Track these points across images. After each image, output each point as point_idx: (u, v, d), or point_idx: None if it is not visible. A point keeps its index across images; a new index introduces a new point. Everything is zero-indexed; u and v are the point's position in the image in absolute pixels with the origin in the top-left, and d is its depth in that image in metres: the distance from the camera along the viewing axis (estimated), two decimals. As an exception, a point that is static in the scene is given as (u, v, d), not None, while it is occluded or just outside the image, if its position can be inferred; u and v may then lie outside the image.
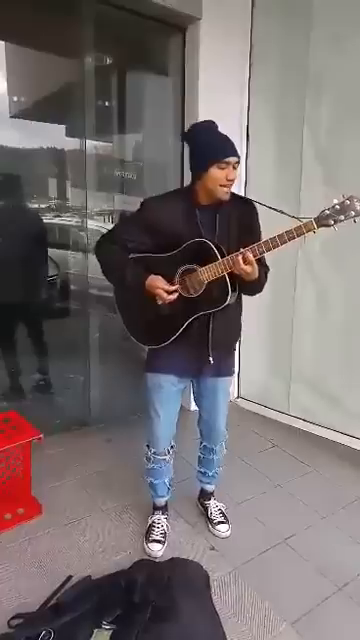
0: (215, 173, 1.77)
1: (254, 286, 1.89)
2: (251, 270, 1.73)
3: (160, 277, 1.85)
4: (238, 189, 3.42)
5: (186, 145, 1.90)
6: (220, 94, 3.24)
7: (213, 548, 2.22)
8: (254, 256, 1.71)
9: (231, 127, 3.25)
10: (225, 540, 2.27)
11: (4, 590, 1.94)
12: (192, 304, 1.86)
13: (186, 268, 1.85)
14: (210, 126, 1.85)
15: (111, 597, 1.82)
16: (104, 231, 2.17)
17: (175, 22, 3.17)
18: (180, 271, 1.87)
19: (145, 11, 3.01)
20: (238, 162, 1.80)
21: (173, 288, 1.85)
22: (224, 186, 1.79)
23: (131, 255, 1.92)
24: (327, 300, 3.16)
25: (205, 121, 1.89)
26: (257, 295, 1.99)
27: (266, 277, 1.94)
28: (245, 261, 1.71)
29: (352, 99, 2.86)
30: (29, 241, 3.31)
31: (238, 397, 3.82)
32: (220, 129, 1.85)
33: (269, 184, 3.32)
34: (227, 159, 1.75)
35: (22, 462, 2.36)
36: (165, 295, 1.84)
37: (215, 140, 1.79)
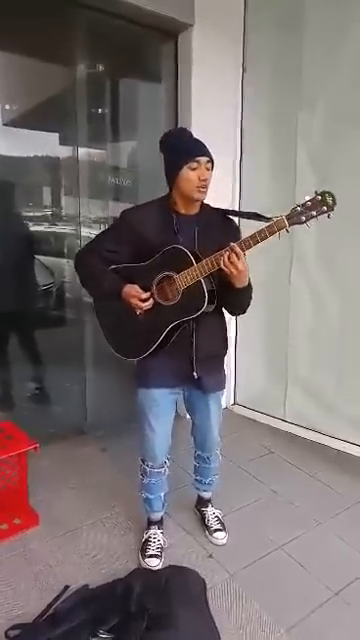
0: (187, 174, 1.78)
1: (243, 295, 1.86)
2: (242, 266, 1.69)
3: (135, 286, 1.85)
4: (232, 194, 3.46)
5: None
6: (213, 100, 3.26)
7: (210, 555, 2.22)
8: (242, 249, 1.68)
9: (224, 133, 3.36)
10: (222, 547, 2.28)
11: (1, 600, 1.93)
12: (170, 312, 1.84)
13: (163, 275, 1.84)
14: (181, 132, 1.90)
15: (108, 606, 1.82)
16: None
17: (167, 29, 3.18)
18: (157, 279, 1.85)
19: (137, 18, 3.02)
20: (210, 162, 1.81)
21: (145, 296, 1.84)
22: (198, 187, 1.79)
23: (111, 267, 1.91)
24: (322, 306, 3.17)
25: (176, 128, 1.92)
26: (245, 311, 1.98)
27: (251, 292, 1.90)
28: (235, 254, 1.67)
29: (346, 105, 2.88)
30: (15, 249, 3.29)
31: (234, 403, 3.82)
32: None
33: (263, 191, 3.34)
34: (197, 158, 1.77)
35: (18, 472, 2.36)
36: (139, 303, 1.83)
37: (184, 143, 1.82)
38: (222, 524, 2.36)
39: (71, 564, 2.15)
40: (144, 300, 1.84)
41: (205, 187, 1.81)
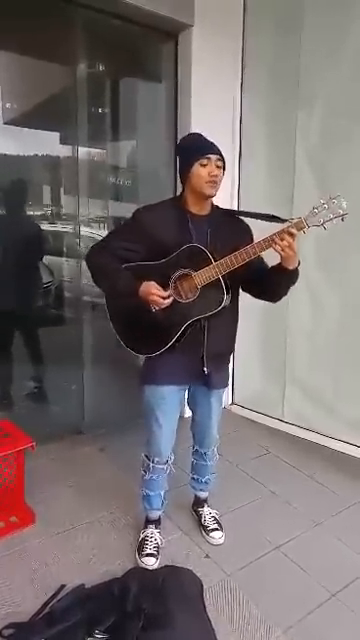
0: (198, 170, 1.84)
1: (294, 276, 1.87)
2: (295, 247, 1.72)
3: (154, 283, 1.84)
4: (231, 194, 3.46)
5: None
6: (212, 100, 3.27)
7: (207, 556, 2.21)
8: (297, 231, 1.70)
9: (223, 133, 3.36)
10: (219, 547, 2.27)
11: (-4, 599, 1.93)
12: (187, 310, 1.87)
13: (180, 274, 1.86)
14: (194, 135, 1.98)
15: (104, 606, 1.81)
16: (98, 238, 2.17)
17: (167, 29, 3.20)
18: (174, 277, 1.87)
19: (137, 18, 3.03)
20: (221, 161, 1.87)
21: (167, 293, 1.85)
22: (208, 182, 1.84)
23: (124, 265, 1.92)
24: (320, 307, 3.17)
25: (191, 133, 2.02)
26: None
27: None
28: (291, 235, 1.69)
29: (344, 105, 2.88)
30: (26, 248, 3.31)
31: (232, 404, 3.82)
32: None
33: (262, 191, 3.34)
34: (207, 155, 1.84)
35: (15, 470, 2.35)
36: (160, 300, 1.83)
37: (196, 142, 1.91)
38: (219, 524, 2.35)
39: (67, 563, 2.14)
40: (165, 297, 1.84)
41: (215, 182, 1.86)
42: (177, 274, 1.87)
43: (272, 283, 1.92)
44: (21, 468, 2.36)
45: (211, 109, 3.24)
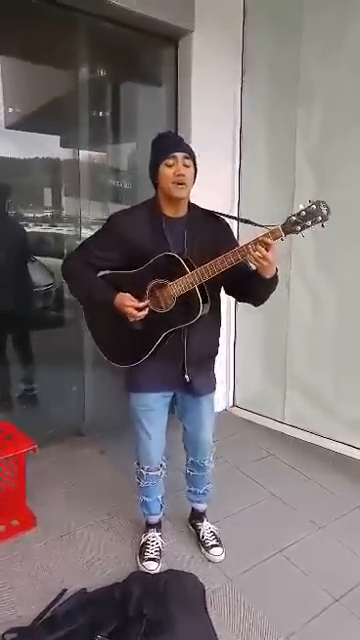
0: (164, 170, 1.77)
1: (272, 284, 1.81)
2: (272, 257, 1.65)
3: (128, 294, 1.81)
4: (232, 195, 3.47)
5: None
6: (213, 104, 3.28)
7: (209, 560, 2.20)
8: (273, 239, 1.62)
9: (224, 136, 3.37)
10: (220, 550, 2.26)
11: (-2, 604, 1.92)
12: (164, 319, 1.82)
13: (156, 283, 1.82)
14: (163, 134, 1.89)
15: (106, 610, 1.80)
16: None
17: (168, 34, 3.20)
18: (150, 286, 1.83)
19: (138, 24, 3.04)
20: (189, 159, 1.79)
21: (142, 305, 1.80)
22: (174, 182, 1.77)
23: (100, 273, 1.89)
24: (321, 308, 3.16)
25: (160, 133, 1.91)
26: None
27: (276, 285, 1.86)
28: (264, 246, 1.62)
29: (343, 108, 2.89)
30: (11, 250, 3.29)
31: (233, 406, 3.81)
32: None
33: (263, 193, 3.35)
34: (173, 154, 1.76)
35: (16, 473, 2.34)
36: (135, 312, 1.79)
37: (162, 142, 1.83)
38: (218, 539, 2.25)
39: (69, 567, 2.13)
40: (140, 309, 1.80)
41: (182, 183, 1.77)
42: (153, 284, 1.82)
43: (252, 288, 1.85)
44: (22, 471, 2.35)
45: (211, 113, 3.25)
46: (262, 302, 1.93)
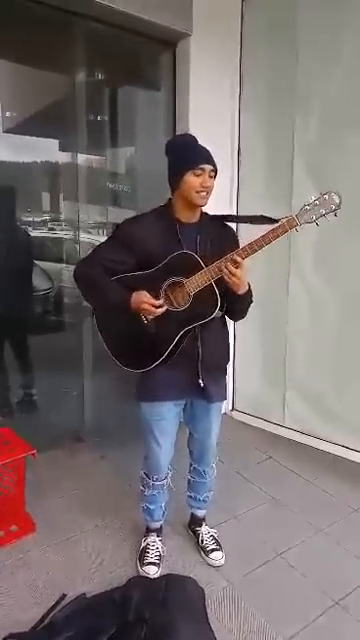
0: (190, 179, 1.79)
1: (244, 301, 1.88)
2: (240, 275, 1.72)
3: (145, 292, 1.80)
4: (230, 198, 3.47)
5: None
6: (211, 108, 3.28)
7: (209, 563, 2.19)
8: (242, 258, 1.71)
9: (222, 140, 3.37)
10: (220, 554, 2.25)
11: (-3, 609, 1.92)
12: (180, 318, 1.83)
13: (171, 282, 1.82)
14: (188, 138, 1.92)
15: (106, 615, 1.79)
16: (97, 244, 2.15)
17: (166, 38, 3.21)
18: (164, 286, 1.83)
19: (136, 28, 3.04)
20: (214, 172, 1.82)
21: (160, 302, 1.80)
22: (199, 192, 1.80)
23: (113, 277, 1.88)
24: (320, 312, 3.17)
25: (184, 134, 1.97)
26: (245, 316, 1.99)
27: (251, 297, 1.92)
28: (234, 264, 1.71)
29: (341, 114, 2.90)
30: (15, 254, 3.30)
31: (233, 409, 3.81)
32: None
33: (260, 198, 3.35)
34: (202, 166, 1.78)
35: (15, 478, 2.34)
36: (152, 309, 1.79)
37: (191, 149, 1.84)
38: (218, 543, 2.25)
39: (68, 572, 2.12)
40: (157, 306, 1.80)
41: (206, 193, 1.82)
42: (168, 282, 1.83)
43: (228, 304, 1.88)
44: (21, 476, 2.35)
45: (209, 116, 3.25)
46: (238, 317, 2.01)
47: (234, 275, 1.71)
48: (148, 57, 3.35)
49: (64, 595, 1.95)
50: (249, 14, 3.32)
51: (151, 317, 1.83)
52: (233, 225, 2.07)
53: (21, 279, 3.37)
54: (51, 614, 1.86)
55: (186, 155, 1.81)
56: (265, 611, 1.93)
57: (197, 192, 1.80)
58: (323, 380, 3.21)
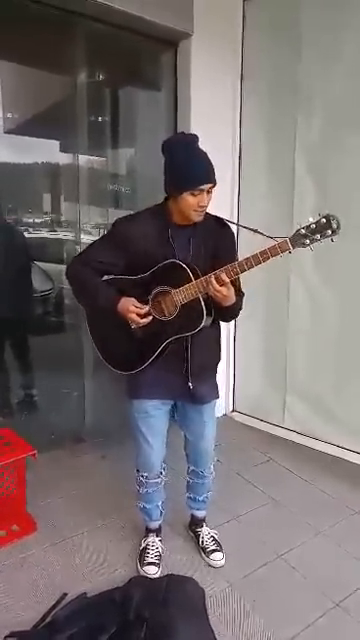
0: (188, 199, 1.74)
1: (231, 311, 1.85)
2: (226, 292, 1.70)
3: (133, 299, 1.80)
4: (231, 204, 3.47)
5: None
6: (212, 108, 3.29)
7: (209, 564, 2.20)
8: (228, 277, 1.68)
9: (223, 140, 3.38)
10: (221, 555, 2.26)
11: (-2, 608, 1.92)
12: (166, 327, 1.82)
13: (159, 290, 1.81)
14: (188, 145, 1.78)
15: (106, 615, 1.80)
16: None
17: (167, 38, 3.21)
18: (153, 293, 1.82)
19: (137, 27, 3.04)
20: (214, 185, 1.77)
21: (145, 311, 1.80)
22: (196, 210, 1.77)
23: (104, 277, 1.89)
24: (321, 313, 3.17)
25: (184, 134, 1.87)
26: (241, 314, 1.97)
27: (242, 302, 1.90)
28: (219, 282, 1.68)
29: (343, 114, 2.91)
30: (11, 256, 3.30)
31: (233, 411, 3.81)
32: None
33: (262, 198, 3.36)
34: (201, 187, 1.73)
35: (16, 478, 2.34)
36: (138, 318, 1.79)
37: (190, 166, 1.73)
38: (218, 544, 2.25)
39: (69, 571, 2.13)
40: (144, 315, 1.80)
41: (203, 211, 1.79)
42: (157, 290, 1.82)
43: (217, 311, 1.85)
44: (22, 476, 2.36)
45: (210, 117, 3.25)
46: (228, 320, 2.00)
47: (219, 292, 1.69)
48: (149, 57, 3.36)
49: (65, 594, 1.96)
50: (251, 14, 3.32)
51: (135, 325, 1.83)
52: (233, 227, 2.04)
53: (19, 280, 3.37)
54: (52, 613, 1.86)
55: (185, 175, 1.73)
56: (265, 612, 1.93)
57: (193, 210, 1.76)
58: (323, 381, 3.21)
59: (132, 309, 1.79)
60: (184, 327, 1.80)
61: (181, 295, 1.76)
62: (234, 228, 2.01)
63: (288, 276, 3.25)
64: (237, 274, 1.69)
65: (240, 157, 3.49)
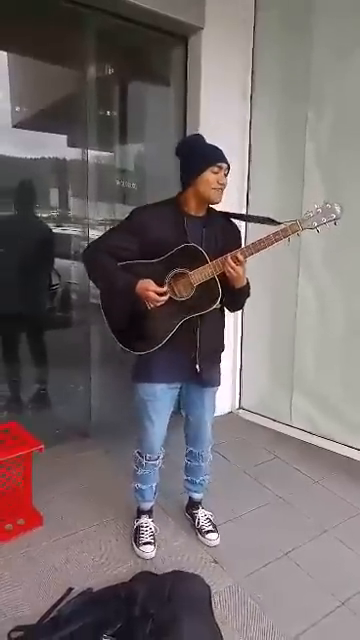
0: (209, 176, 1.90)
1: (242, 293, 1.99)
2: (241, 271, 1.86)
3: (151, 280, 1.89)
4: (240, 198, 3.46)
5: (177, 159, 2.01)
6: (222, 104, 3.27)
7: (215, 561, 2.20)
8: (244, 257, 1.84)
9: (233, 136, 3.35)
10: (226, 553, 2.25)
11: (4, 601, 1.92)
12: (182, 307, 1.93)
13: (175, 272, 1.92)
14: (199, 138, 2.03)
15: (111, 610, 1.80)
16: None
17: (177, 32, 3.19)
18: (169, 275, 1.93)
19: (147, 21, 3.02)
20: (228, 169, 1.95)
21: (164, 290, 1.90)
22: (215, 189, 1.92)
23: (120, 263, 1.96)
24: (328, 311, 3.15)
25: (194, 134, 2.12)
26: (241, 308, 2.10)
27: (249, 289, 2.01)
28: (236, 261, 1.83)
29: (354, 110, 2.88)
30: (36, 251, 3.32)
31: (239, 408, 3.80)
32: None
33: (271, 194, 3.34)
34: (220, 163, 1.90)
35: (23, 473, 2.35)
36: (157, 297, 1.88)
37: (207, 148, 1.96)
38: (214, 525, 2.34)
39: (74, 566, 2.13)
40: (161, 294, 1.89)
41: (221, 190, 1.94)
42: (173, 272, 1.92)
43: (227, 295, 1.98)
44: (29, 471, 2.36)
45: (220, 112, 3.23)
46: (234, 309, 2.14)
47: (234, 270, 1.84)
48: (159, 52, 3.34)
49: (70, 589, 1.95)
50: (262, 9, 3.29)
51: (154, 305, 1.91)
52: (240, 223, 2.16)
53: (41, 275, 3.41)
54: (57, 608, 1.86)
55: (205, 153, 1.93)
56: (271, 610, 1.93)
57: (213, 188, 1.91)
58: (331, 379, 3.20)
59: (151, 288, 1.88)
60: (199, 306, 1.92)
61: (198, 275, 1.88)
62: (241, 224, 2.14)
63: (296, 274, 3.23)
64: (252, 254, 1.85)
65: (250, 153, 3.47)
